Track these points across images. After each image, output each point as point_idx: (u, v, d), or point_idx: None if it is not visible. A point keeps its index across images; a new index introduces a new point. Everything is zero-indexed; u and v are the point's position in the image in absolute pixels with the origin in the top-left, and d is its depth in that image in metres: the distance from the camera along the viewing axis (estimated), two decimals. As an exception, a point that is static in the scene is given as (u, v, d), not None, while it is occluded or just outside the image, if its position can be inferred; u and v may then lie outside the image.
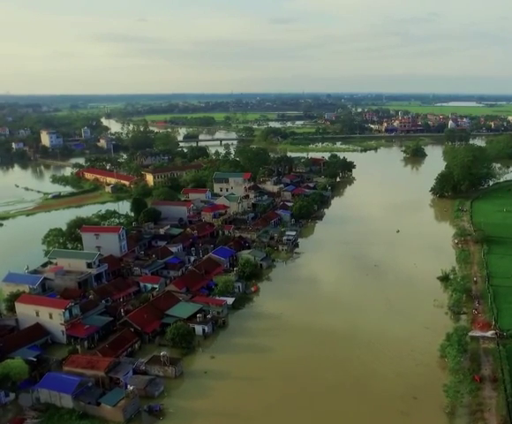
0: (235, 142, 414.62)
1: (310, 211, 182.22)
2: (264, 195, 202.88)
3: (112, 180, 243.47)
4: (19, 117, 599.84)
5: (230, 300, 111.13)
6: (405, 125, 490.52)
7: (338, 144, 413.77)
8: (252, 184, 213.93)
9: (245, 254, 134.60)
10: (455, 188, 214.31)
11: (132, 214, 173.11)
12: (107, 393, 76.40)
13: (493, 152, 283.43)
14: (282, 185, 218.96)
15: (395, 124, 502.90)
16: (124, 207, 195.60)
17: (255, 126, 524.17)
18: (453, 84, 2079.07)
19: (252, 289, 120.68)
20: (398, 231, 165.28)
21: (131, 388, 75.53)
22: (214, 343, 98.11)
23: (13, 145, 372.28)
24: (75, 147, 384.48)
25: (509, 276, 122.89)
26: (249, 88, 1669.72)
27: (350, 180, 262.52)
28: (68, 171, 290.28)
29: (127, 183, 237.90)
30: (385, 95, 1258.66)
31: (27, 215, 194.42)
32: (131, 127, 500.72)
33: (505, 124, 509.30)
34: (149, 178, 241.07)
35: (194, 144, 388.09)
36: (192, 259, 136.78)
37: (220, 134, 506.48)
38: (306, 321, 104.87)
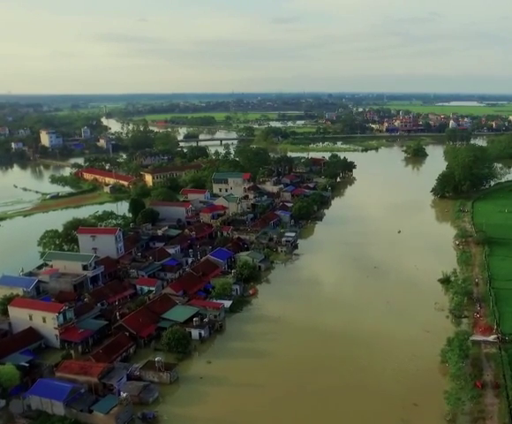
0: (235, 142, 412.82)
1: (310, 212, 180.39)
2: (263, 196, 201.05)
3: (111, 180, 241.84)
4: (20, 117, 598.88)
5: (228, 303, 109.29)
6: (406, 125, 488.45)
7: (339, 144, 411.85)
8: (252, 184, 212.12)
9: (244, 256, 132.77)
10: (456, 188, 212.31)
11: (130, 215, 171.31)
12: (100, 400, 74.69)
13: (494, 152, 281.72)
14: (281, 186, 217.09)
15: (396, 123, 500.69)
16: (123, 207, 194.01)
17: (256, 126, 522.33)
18: (454, 84, 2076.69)
19: (250, 291, 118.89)
20: (399, 232, 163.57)
21: (125, 395, 73.79)
22: (210, 347, 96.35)
23: (12, 145, 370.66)
24: (75, 146, 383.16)
25: (511, 279, 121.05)
26: (250, 88, 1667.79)
27: (351, 180, 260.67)
28: (67, 171, 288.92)
29: (126, 183, 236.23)
30: (386, 95, 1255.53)
31: (25, 215, 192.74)
32: (130, 127, 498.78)
33: (506, 123, 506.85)
34: (148, 179, 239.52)
35: (194, 144, 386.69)
36: (190, 261, 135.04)
37: (220, 134, 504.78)
38: (305, 324, 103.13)
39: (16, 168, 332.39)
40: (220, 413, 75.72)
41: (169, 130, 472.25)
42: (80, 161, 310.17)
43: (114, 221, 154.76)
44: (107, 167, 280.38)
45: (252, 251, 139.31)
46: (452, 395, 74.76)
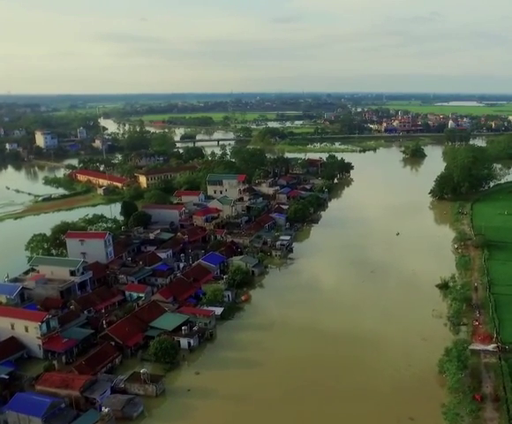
0: (232, 143, 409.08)
1: (305, 214, 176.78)
2: (259, 198, 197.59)
3: (105, 182, 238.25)
4: (17, 118, 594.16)
5: (219, 310, 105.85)
6: (405, 125, 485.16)
7: (337, 144, 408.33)
8: (247, 186, 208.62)
9: (237, 261, 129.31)
10: (454, 190, 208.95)
11: (122, 218, 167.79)
12: (80, 415, 71.32)
13: (493, 152, 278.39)
14: (277, 188, 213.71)
15: (395, 123, 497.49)
16: (117, 209, 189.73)
17: (254, 126, 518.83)
18: (454, 83, 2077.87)
19: (243, 298, 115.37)
20: (398, 234, 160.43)
21: (106, 410, 70.31)
22: (200, 357, 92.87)
23: (7, 145, 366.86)
24: (70, 147, 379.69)
25: (511, 284, 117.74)
26: (249, 88, 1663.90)
27: (348, 181, 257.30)
28: (62, 173, 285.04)
29: (120, 185, 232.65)
30: (385, 95, 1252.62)
31: (16, 218, 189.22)
32: (126, 127, 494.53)
33: (506, 123, 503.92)
34: (142, 180, 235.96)
35: (191, 145, 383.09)
36: (182, 265, 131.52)
37: (218, 135, 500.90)
38: (299, 331, 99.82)
39: (10, 169, 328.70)
40: (207, 429, 72.52)
41: (166, 130, 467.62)
42: (75, 162, 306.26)
43: (104, 224, 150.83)
44: (101, 168, 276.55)
45: (246, 255, 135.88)
46: (450, 410, 71.66)
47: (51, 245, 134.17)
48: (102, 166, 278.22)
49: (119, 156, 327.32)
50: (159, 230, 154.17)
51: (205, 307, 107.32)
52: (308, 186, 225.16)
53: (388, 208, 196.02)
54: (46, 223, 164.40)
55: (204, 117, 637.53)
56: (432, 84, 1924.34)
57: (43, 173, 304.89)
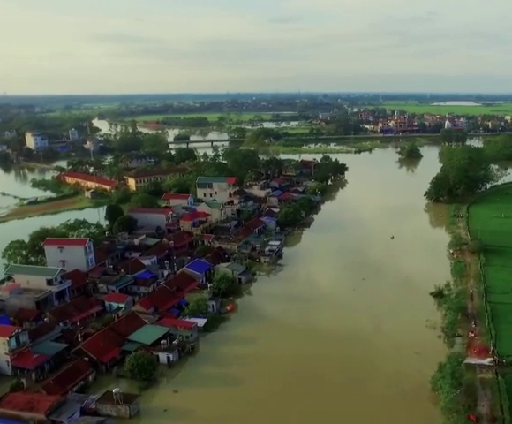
0: (226, 144, 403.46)
1: (297, 218, 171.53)
2: (250, 201, 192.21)
3: (93, 185, 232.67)
4: (9, 119, 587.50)
5: (202, 322, 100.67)
6: (401, 126, 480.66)
7: (332, 145, 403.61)
8: (238, 188, 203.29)
9: (223, 268, 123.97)
10: (450, 192, 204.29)
11: (108, 222, 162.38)
12: (44, 442, 66.02)
13: (490, 153, 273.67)
14: (269, 190, 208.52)
15: (391, 124, 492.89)
16: (104, 213, 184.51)
17: (249, 127, 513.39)
18: (451, 83, 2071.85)
19: (228, 308, 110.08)
20: (392, 238, 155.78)
21: (72, 436, 65.16)
22: (179, 373, 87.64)
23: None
24: (61, 149, 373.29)
25: (508, 291, 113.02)
26: (246, 88, 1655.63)
27: (343, 183, 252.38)
28: (51, 175, 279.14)
29: (108, 187, 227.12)
30: (382, 95, 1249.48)
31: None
32: (118, 128, 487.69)
33: (503, 123, 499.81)
34: (131, 183, 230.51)
35: (185, 146, 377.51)
36: (166, 273, 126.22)
37: (213, 135, 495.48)
38: (283, 346, 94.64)
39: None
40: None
41: (159, 131, 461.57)
42: (65, 164, 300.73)
43: (87, 230, 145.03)
44: (91, 170, 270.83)
45: (233, 262, 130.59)
46: (443, 433, 66.52)
47: (30, 252, 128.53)
48: (92, 168, 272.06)
49: (108, 158, 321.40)
50: (144, 236, 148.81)
51: (187, 319, 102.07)
52: (301, 189, 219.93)
53: (383, 210, 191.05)
54: (30, 227, 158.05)
55: (199, 117, 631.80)
56: (430, 84, 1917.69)
57: (33, 175, 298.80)
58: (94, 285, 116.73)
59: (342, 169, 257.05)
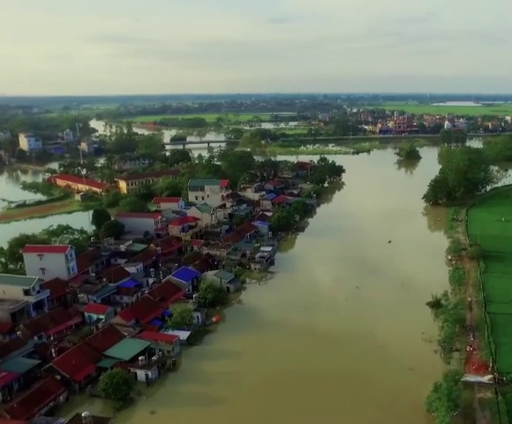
0: (223, 145, 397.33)
1: (290, 222, 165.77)
2: (243, 204, 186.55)
3: (83, 187, 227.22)
4: (4, 119, 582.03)
5: (185, 335, 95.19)
6: (400, 126, 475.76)
7: (330, 146, 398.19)
8: (232, 191, 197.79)
9: (210, 276, 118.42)
10: (449, 195, 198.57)
11: (94, 227, 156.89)
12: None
13: (490, 154, 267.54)
14: (263, 193, 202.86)
15: (390, 124, 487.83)
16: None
17: (247, 128, 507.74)
18: (450, 84, 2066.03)
19: (214, 319, 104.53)
20: (390, 242, 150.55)
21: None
22: (158, 391, 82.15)
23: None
24: (55, 150, 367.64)
25: (509, 301, 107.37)
26: (245, 89, 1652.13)
27: (339, 185, 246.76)
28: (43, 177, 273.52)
29: (99, 190, 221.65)
30: (382, 95, 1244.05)
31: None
32: (114, 129, 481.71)
33: (503, 124, 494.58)
34: (122, 185, 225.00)
35: (181, 147, 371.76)
36: (151, 281, 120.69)
37: (210, 136, 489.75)
38: (271, 360, 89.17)
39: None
40: None
41: (155, 132, 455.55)
42: (57, 166, 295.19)
43: (71, 236, 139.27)
44: (83, 172, 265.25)
45: (221, 270, 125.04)
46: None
47: (8, 259, 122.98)
48: (84, 170, 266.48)
49: (101, 160, 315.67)
50: (131, 241, 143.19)
51: (170, 331, 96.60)
52: (296, 191, 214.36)
53: (380, 213, 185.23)
54: (15, 231, 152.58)
55: (197, 118, 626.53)
56: (429, 84, 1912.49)
57: (26, 177, 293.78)
58: (74, 295, 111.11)
59: (339, 170, 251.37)
